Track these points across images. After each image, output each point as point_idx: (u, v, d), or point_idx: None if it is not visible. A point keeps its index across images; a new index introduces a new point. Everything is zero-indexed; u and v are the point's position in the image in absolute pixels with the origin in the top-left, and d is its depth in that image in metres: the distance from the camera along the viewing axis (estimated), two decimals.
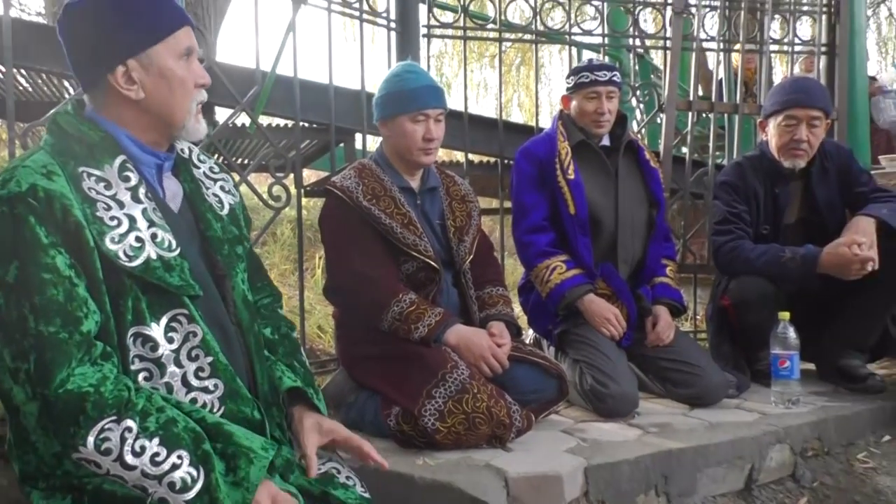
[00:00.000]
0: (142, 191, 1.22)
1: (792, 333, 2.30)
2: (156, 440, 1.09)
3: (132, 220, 1.18)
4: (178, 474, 1.08)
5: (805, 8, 3.85)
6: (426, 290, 2.13)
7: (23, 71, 2.75)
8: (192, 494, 1.08)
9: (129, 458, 1.07)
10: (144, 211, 1.21)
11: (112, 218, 1.16)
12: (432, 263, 2.10)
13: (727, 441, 2.03)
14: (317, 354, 3.11)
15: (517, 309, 2.61)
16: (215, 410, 1.22)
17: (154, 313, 1.18)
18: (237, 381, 1.26)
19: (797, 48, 3.73)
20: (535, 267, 2.47)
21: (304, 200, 2.81)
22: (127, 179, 1.21)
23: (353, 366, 2.18)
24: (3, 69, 2.21)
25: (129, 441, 1.07)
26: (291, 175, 2.68)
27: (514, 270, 5.27)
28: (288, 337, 1.49)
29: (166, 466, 1.08)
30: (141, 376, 1.17)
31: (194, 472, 1.09)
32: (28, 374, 1.08)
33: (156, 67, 1.24)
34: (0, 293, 1.10)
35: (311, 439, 1.35)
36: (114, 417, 1.08)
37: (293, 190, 2.65)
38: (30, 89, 3.15)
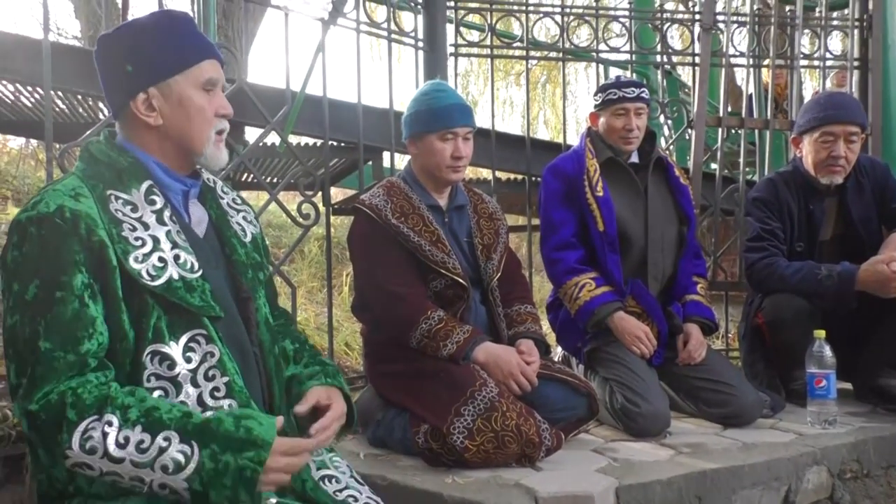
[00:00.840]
0: (167, 214, 1.27)
1: (828, 352, 2.25)
2: (138, 428, 1.08)
3: (156, 240, 1.22)
4: (168, 456, 1.07)
5: (836, 22, 3.81)
6: (454, 307, 2.12)
7: (60, 93, 2.82)
8: (189, 471, 1.07)
9: (114, 451, 1.07)
10: (168, 233, 1.24)
11: (137, 238, 1.20)
12: (460, 281, 2.10)
13: (763, 462, 1.98)
14: (344, 371, 3.11)
15: (545, 326, 2.60)
16: None
17: (173, 333, 1.20)
18: (252, 405, 1.26)
19: (829, 63, 3.69)
20: (564, 284, 2.45)
21: (331, 218, 2.83)
22: (153, 203, 1.26)
23: (381, 383, 2.18)
24: (42, 92, 2.27)
25: (112, 435, 1.07)
26: (320, 193, 2.71)
27: (540, 288, 5.24)
28: (308, 343, 1.53)
29: (154, 452, 1.08)
30: (156, 395, 1.18)
31: (187, 449, 1.08)
32: (23, 391, 1.10)
33: (175, 96, 1.30)
34: (17, 311, 1.13)
35: (317, 391, 1.38)
36: (95, 417, 1.08)
37: (322, 208, 2.67)
38: (66, 111, 3.23)
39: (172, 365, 1.19)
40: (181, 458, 1.07)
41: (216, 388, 1.22)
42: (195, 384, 1.21)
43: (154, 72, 1.29)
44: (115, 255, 1.17)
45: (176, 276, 1.21)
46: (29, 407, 1.09)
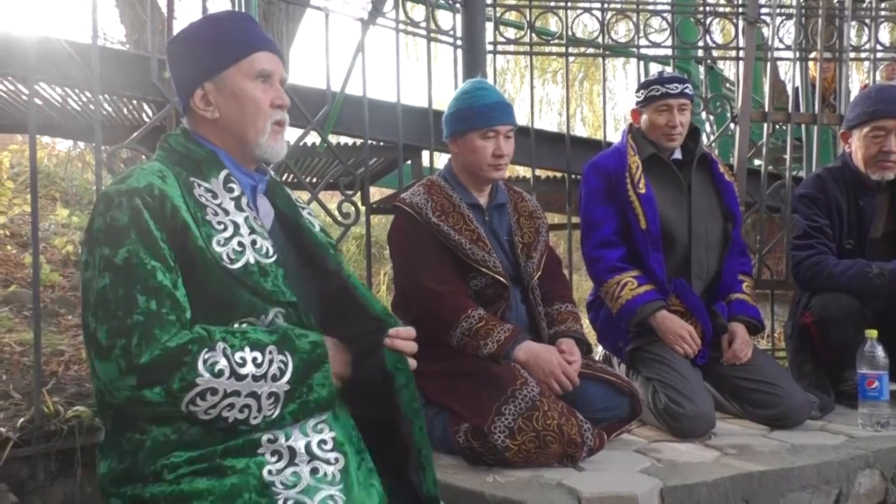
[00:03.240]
0: (244, 201, 1.32)
1: (880, 352, 2.19)
2: (247, 349, 1.19)
3: (236, 226, 1.28)
4: (275, 366, 1.21)
5: (885, 13, 3.70)
6: (495, 306, 2.11)
7: (106, 96, 2.89)
8: (289, 375, 1.21)
9: (240, 370, 1.17)
10: (246, 219, 1.30)
11: (219, 223, 1.26)
12: (501, 279, 2.09)
13: (812, 465, 1.93)
14: None
15: (586, 325, 2.57)
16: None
17: (237, 316, 1.25)
18: None
19: (878, 55, 3.58)
20: (606, 283, 2.42)
21: (371, 217, 2.84)
22: (231, 190, 1.31)
23: (420, 381, 2.15)
24: (89, 95, 2.32)
25: (230, 356, 1.17)
26: (359, 193, 2.72)
27: (579, 286, 5.20)
28: None
29: (266, 364, 1.20)
30: None
31: (284, 358, 1.22)
32: (125, 349, 1.13)
33: (228, 88, 1.34)
34: (107, 273, 1.17)
35: None
36: (207, 349, 1.16)
37: (361, 207, 2.68)
38: (113, 114, 3.30)
39: None
40: (283, 365, 1.21)
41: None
42: None
43: (208, 66, 1.33)
44: (196, 238, 1.22)
45: (252, 261, 1.26)
46: (142, 360, 1.13)
